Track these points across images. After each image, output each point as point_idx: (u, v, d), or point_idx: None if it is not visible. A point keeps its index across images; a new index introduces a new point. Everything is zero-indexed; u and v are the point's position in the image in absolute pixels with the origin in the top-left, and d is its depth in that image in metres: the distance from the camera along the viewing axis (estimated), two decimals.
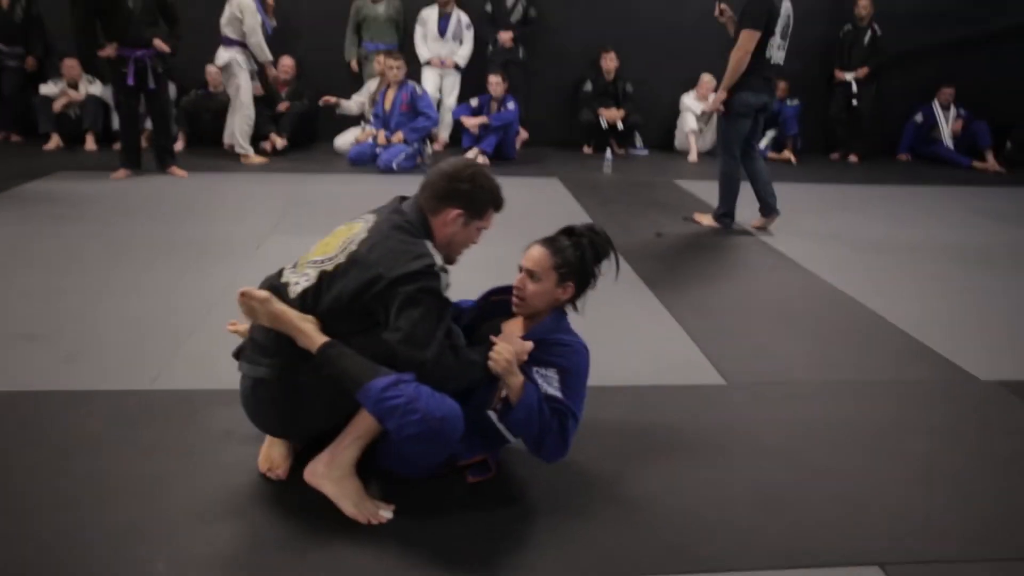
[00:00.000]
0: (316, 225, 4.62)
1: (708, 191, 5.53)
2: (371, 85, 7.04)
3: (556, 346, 2.09)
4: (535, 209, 4.79)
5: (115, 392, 2.56)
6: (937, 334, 3.34)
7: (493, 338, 2.04)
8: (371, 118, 6.79)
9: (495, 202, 2.12)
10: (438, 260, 1.97)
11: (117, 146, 6.17)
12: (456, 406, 1.89)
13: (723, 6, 4.95)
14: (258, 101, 6.68)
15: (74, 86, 6.97)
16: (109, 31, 5.48)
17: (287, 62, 7.23)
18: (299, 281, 2.01)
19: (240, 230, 4.52)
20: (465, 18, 7.43)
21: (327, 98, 6.99)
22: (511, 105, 7.04)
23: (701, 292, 3.92)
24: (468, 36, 7.46)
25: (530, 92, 7.64)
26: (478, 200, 2.08)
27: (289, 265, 2.13)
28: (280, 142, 6.97)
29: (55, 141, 6.87)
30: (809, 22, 8.03)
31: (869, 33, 7.82)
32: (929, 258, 4.62)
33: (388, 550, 1.82)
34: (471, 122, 7.08)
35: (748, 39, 4.63)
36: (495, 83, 7.00)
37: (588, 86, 7.73)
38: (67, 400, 2.49)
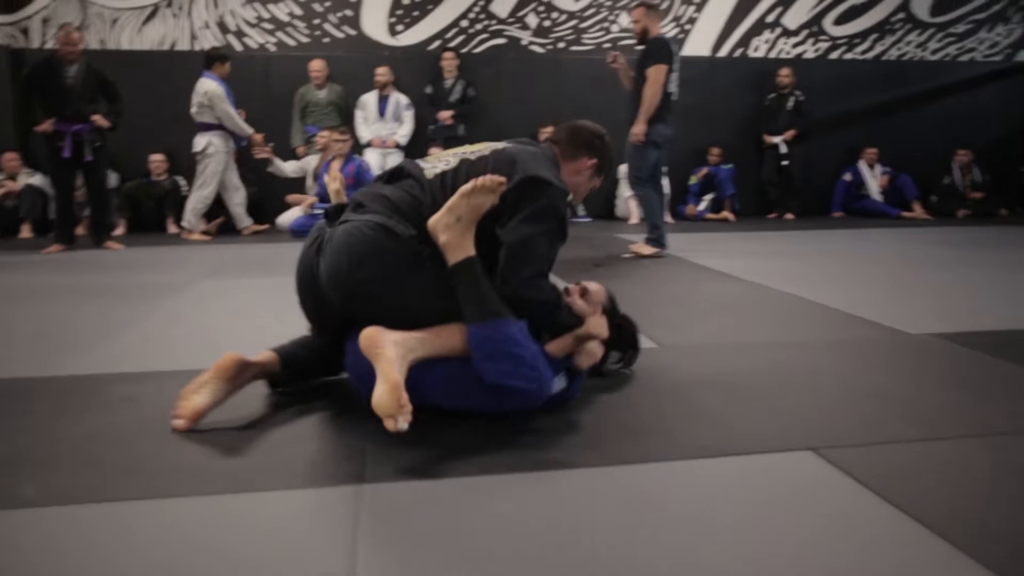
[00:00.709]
0: (252, 272, 4.69)
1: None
2: (311, 160, 7.17)
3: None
4: None
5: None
6: (866, 309, 3.37)
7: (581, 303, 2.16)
8: (312, 193, 6.89)
9: (610, 171, 2.32)
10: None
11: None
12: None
13: (616, 54, 5.33)
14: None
15: (12, 178, 6.97)
16: (47, 107, 5.54)
17: (157, 158, 7.30)
18: (437, 166, 2.06)
19: (175, 278, 4.44)
20: (404, 99, 7.69)
21: (259, 145, 6.88)
22: None
23: (634, 294, 3.90)
24: (408, 116, 7.69)
25: None
26: (607, 159, 2.26)
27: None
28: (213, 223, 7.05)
29: None
30: (737, 92, 8.54)
31: (792, 99, 8.26)
32: (856, 264, 4.71)
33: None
34: None
35: (660, 73, 5.03)
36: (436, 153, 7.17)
37: None
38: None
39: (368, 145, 7.62)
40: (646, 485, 1.62)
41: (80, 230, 6.25)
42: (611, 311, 2.31)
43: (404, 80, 7.73)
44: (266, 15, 7.85)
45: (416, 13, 8.08)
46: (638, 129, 5.08)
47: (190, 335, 3.03)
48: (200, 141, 6.53)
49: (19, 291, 4.05)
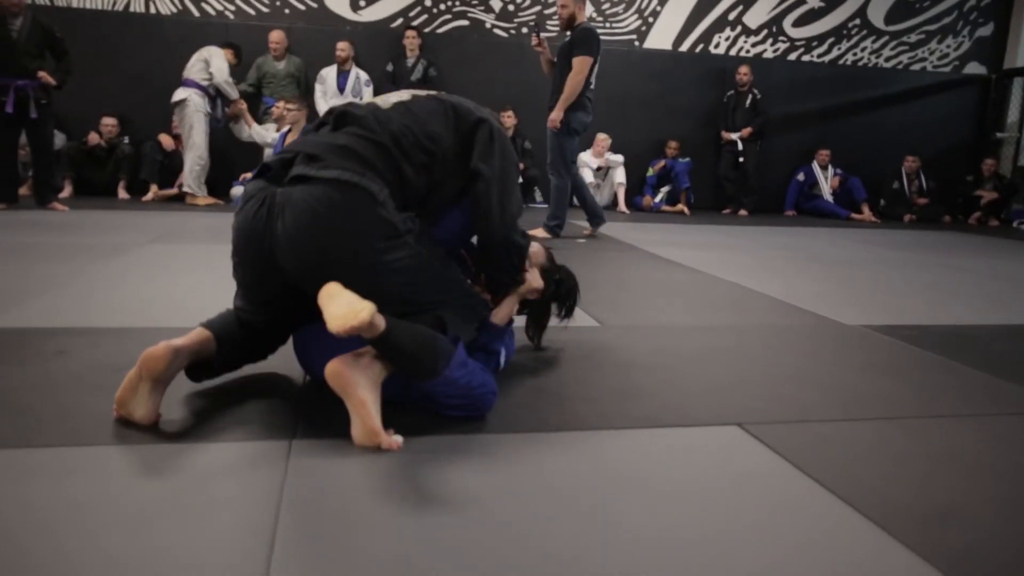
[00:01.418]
0: (198, 239, 4.61)
1: (603, 228, 5.68)
2: (269, 128, 7.07)
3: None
4: None
5: None
6: (807, 301, 3.46)
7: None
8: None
9: None
10: None
11: None
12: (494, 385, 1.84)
13: (542, 37, 5.35)
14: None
15: None
16: None
17: (110, 121, 7.15)
18: (389, 99, 1.88)
19: (119, 240, 4.34)
20: (364, 75, 7.61)
21: (239, 105, 6.93)
22: None
23: (583, 277, 3.94)
24: (367, 92, 7.61)
25: None
26: None
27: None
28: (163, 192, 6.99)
29: None
30: (697, 87, 8.65)
31: (750, 97, 8.39)
32: (803, 260, 4.82)
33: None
34: None
35: (585, 65, 5.08)
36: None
37: None
38: None
39: None
40: (572, 452, 1.65)
41: (23, 191, 6.08)
42: (551, 267, 2.31)
43: (364, 56, 7.65)
44: None
45: None
46: (556, 116, 5.13)
47: (129, 294, 2.98)
48: (180, 92, 6.58)
49: None
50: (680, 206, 8.21)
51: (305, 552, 1.20)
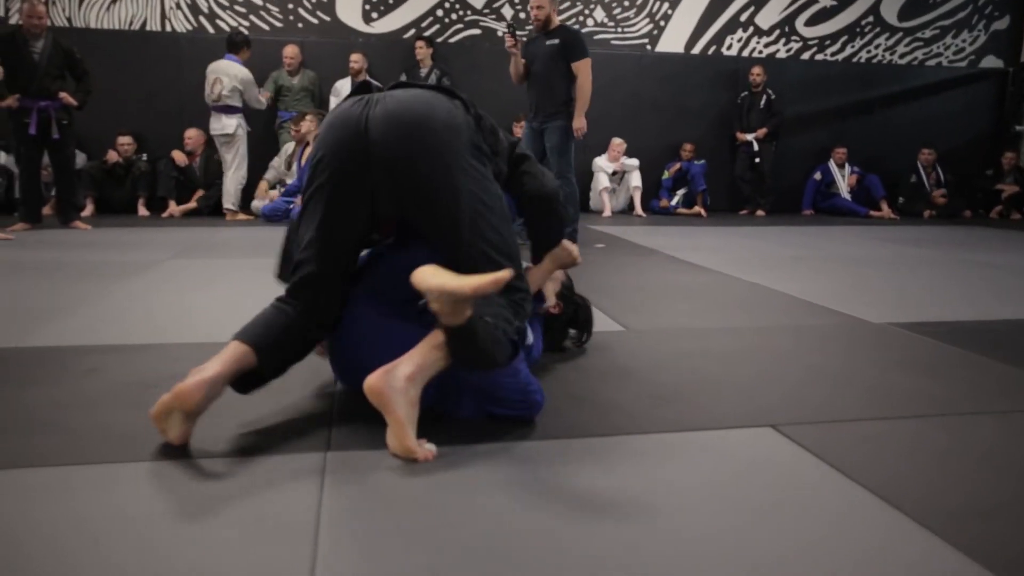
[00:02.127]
0: (223, 253, 4.65)
1: (620, 232, 5.67)
2: (288, 149, 7.12)
3: None
4: None
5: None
6: (829, 299, 3.44)
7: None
8: (287, 180, 6.88)
9: None
10: None
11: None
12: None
13: (517, 38, 5.25)
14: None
15: None
16: (13, 83, 5.44)
17: (192, 133, 7.26)
18: None
19: (144, 257, 4.39)
20: (378, 86, 7.65)
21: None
22: None
23: (605, 282, 3.94)
24: None
25: None
26: None
27: None
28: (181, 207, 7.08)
29: None
30: (710, 89, 8.64)
31: (764, 97, 8.36)
32: (823, 259, 4.79)
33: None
34: None
35: (589, 66, 5.10)
36: None
37: None
38: None
39: None
40: (607, 458, 1.64)
41: (46, 210, 6.16)
42: (568, 291, 2.36)
43: (377, 68, 7.70)
44: None
45: (391, 1, 8.04)
46: (581, 124, 5.11)
47: (159, 310, 3.01)
48: (230, 124, 6.60)
49: None
50: (697, 208, 8.18)
51: (348, 569, 1.20)
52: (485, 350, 1.63)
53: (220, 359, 1.67)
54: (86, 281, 3.59)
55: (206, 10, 7.71)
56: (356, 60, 7.51)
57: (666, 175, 8.39)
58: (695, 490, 1.49)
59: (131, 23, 7.59)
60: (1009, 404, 2.05)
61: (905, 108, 9.15)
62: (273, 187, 7.13)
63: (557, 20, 5.23)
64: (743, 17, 8.76)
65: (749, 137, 8.36)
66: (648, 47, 8.62)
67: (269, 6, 7.82)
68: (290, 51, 7.43)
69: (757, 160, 8.36)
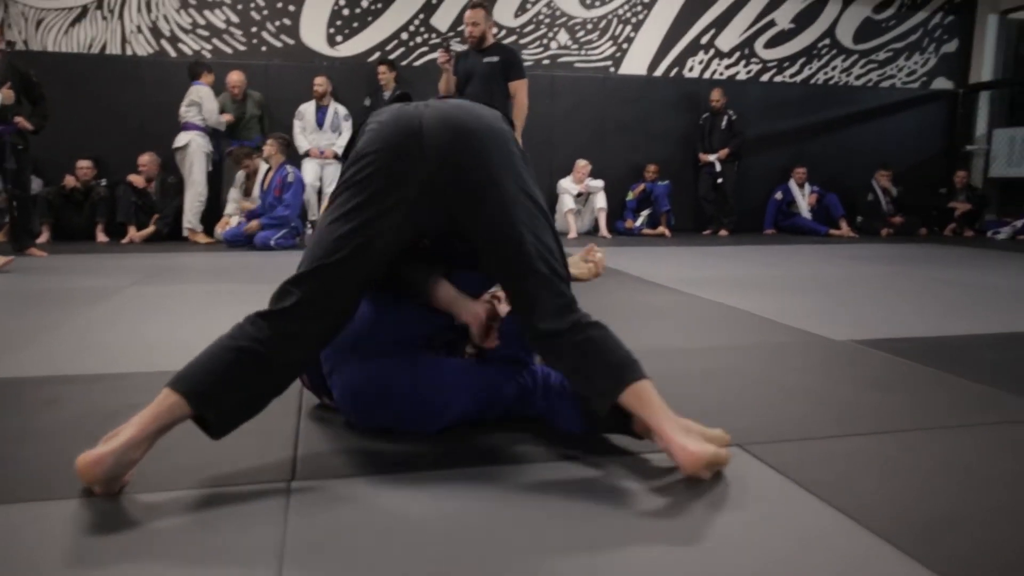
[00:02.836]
0: (183, 278, 4.57)
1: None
2: (240, 177, 7.07)
3: None
4: None
5: None
6: (794, 318, 3.48)
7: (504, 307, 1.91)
8: (244, 208, 6.84)
9: None
10: None
11: None
12: None
13: (451, 53, 5.28)
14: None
15: None
16: None
17: (145, 159, 7.16)
18: None
19: (103, 283, 4.30)
20: (343, 110, 7.65)
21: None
22: None
23: None
24: (346, 127, 7.65)
25: None
26: None
27: None
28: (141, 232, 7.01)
29: None
30: (673, 110, 8.78)
31: (725, 118, 8.51)
32: (785, 278, 4.87)
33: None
34: None
35: (527, 87, 5.10)
36: None
37: None
38: None
39: (306, 155, 7.54)
40: (571, 481, 1.64)
41: (0, 236, 6.03)
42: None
43: (342, 91, 7.70)
44: (202, 21, 7.72)
45: (356, 24, 8.06)
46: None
47: (119, 338, 2.94)
48: (183, 137, 6.74)
49: None
50: (661, 228, 8.27)
51: None
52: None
53: (139, 419, 1.49)
54: (44, 309, 3.50)
55: (168, 34, 7.66)
56: (320, 83, 7.49)
57: (630, 196, 8.48)
58: (661, 510, 1.49)
59: (90, 46, 7.50)
60: (971, 418, 2.09)
61: (862, 128, 9.39)
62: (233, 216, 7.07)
63: (492, 37, 5.18)
64: (704, 40, 8.93)
65: (712, 158, 8.50)
66: (612, 69, 8.74)
67: (232, 30, 7.79)
68: (234, 79, 7.24)
69: (720, 180, 8.50)
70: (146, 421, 1.49)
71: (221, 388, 1.54)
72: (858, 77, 9.45)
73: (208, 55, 7.69)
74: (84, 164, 7.04)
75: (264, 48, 7.87)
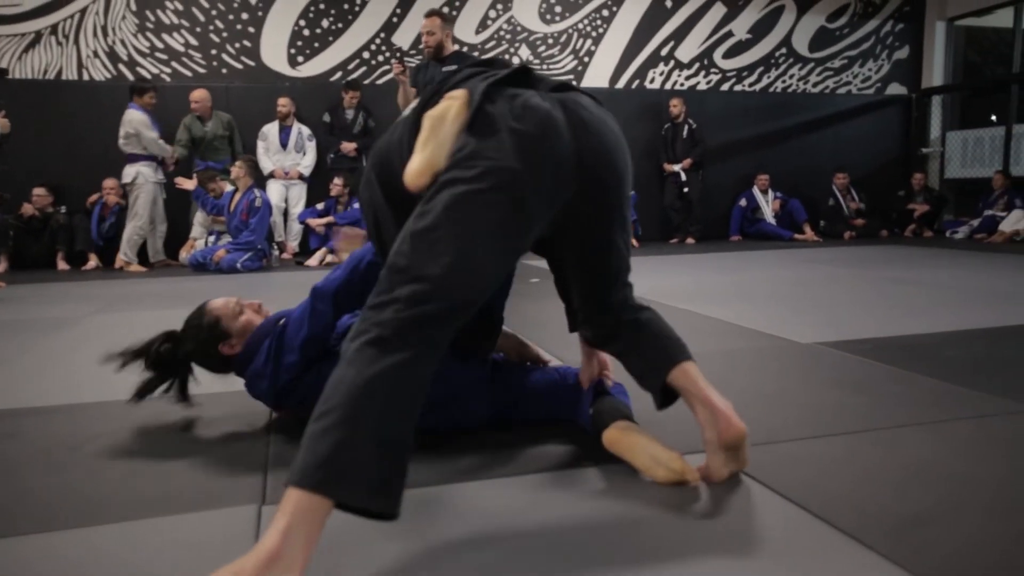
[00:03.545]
0: (145, 305, 4.50)
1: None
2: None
3: None
4: None
5: None
6: (760, 323, 3.52)
7: None
8: (217, 223, 6.78)
9: None
10: None
11: None
12: None
13: (405, 64, 5.13)
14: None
15: None
16: None
17: (110, 183, 7.05)
18: None
19: (65, 312, 4.22)
20: (306, 130, 7.61)
21: (170, 161, 6.81)
22: (356, 206, 7.15)
23: (539, 314, 3.96)
24: (310, 147, 7.61)
25: None
26: None
27: None
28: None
29: None
30: (636, 122, 8.86)
31: (686, 128, 8.62)
32: (752, 283, 4.93)
33: None
34: (317, 222, 7.11)
35: None
36: (337, 185, 7.14)
37: None
38: None
39: (271, 176, 7.49)
40: (545, 491, 1.64)
41: None
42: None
43: (304, 111, 7.67)
44: (160, 45, 7.66)
45: (317, 44, 8.05)
46: None
47: (80, 368, 2.89)
48: (129, 172, 6.56)
49: None
50: None
51: None
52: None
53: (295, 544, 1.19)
54: (2, 340, 3.43)
55: (125, 58, 7.58)
56: (284, 104, 7.46)
57: None
58: (633, 514, 1.49)
59: (46, 71, 7.39)
60: (935, 415, 2.13)
61: (821, 134, 9.56)
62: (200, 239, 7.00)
63: (451, 47, 5.03)
64: (664, 51, 9.05)
65: (676, 168, 8.59)
66: (574, 82, 8.78)
67: (192, 52, 7.73)
68: (196, 95, 7.10)
69: (685, 190, 8.59)
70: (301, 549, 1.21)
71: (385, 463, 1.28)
72: (815, 84, 9.64)
73: (167, 79, 7.62)
74: (40, 192, 6.91)
75: (225, 70, 7.82)
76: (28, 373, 2.84)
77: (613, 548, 1.38)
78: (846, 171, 9.09)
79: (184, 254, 6.86)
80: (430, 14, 5.09)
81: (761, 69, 9.41)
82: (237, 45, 7.83)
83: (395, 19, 8.15)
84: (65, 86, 7.41)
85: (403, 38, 8.18)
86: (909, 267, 5.87)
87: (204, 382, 2.61)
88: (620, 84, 8.97)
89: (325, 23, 8.02)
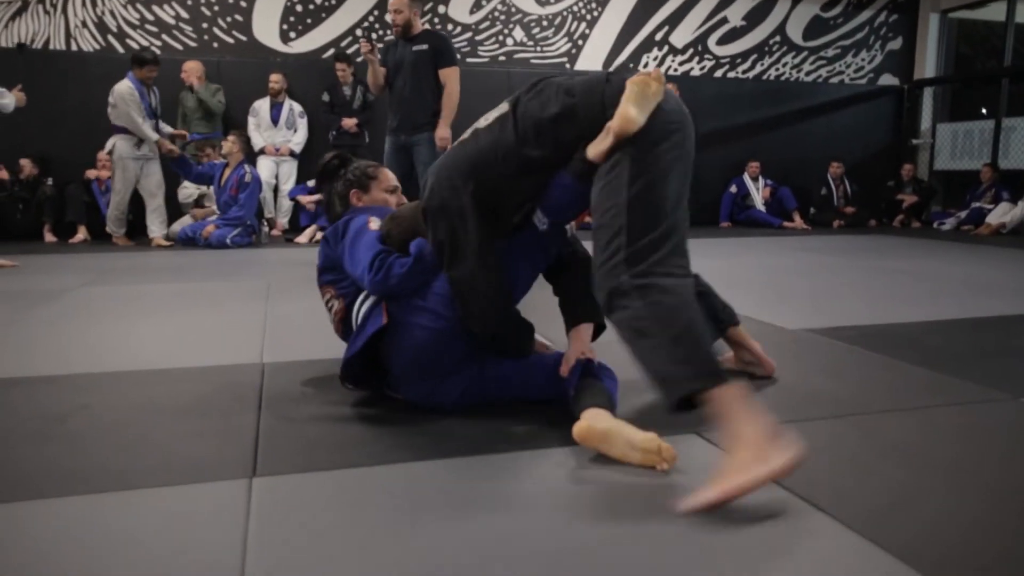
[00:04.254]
0: (128, 280, 4.48)
1: None
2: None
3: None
4: None
5: None
6: (748, 308, 3.54)
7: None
8: (196, 217, 6.75)
9: None
10: None
11: None
12: None
13: (373, 44, 4.97)
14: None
15: None
16: None
17: (104, 155, 6.97)
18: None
19: (52, 284, 4.19)
20: (297, 107, 7.55)
21: (169, 150, 6.45)
22: None
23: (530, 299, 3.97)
24: (302, 124, 7.56)
25: None
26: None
27: None
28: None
29: None
30: None
31: None
32: (741, 269, 4.96)
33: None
34: (307, 199, 7.08)
35: (458, 75, 4.84)
36: None
37: None
38: None
39: (261, 152, 7.43)
40: (536, 470, 1.65)
41: None
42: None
43: (296, 88, 7.60)
44: (150, 16, 7.56)
45: (309, 20, 7.97)
46: (446, 134, 4.75)
47: (67, 339, 2.88)
48: (109, 143, 6.37)
49: None
50: None
51: None
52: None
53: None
54: None
55: (115, 29, 7.48)
56: (276, 80, 7.39)
57: None
58: (622, 494, 1.51)
59: (33, 41, 7.29)
60: (919, 401, 2.16)
61: (813, 123, 9.58)
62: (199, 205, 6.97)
63: (420, 25, 4.96)
64: (658, 36, 9.03)
65: None
66: (567, 65, 8.78)
67: (182, 25, 7.64)
68: (186, 65, 7.05)
69: None
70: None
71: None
72: (808, 73, 9.64)
73: (158, 51, 7.52)
74: (25, 163, 6.83)
75: (216, 44, 7.74)
76: (16, 344, 2.82)
77: (593, 522, 1.40)
78: (840, 161, 9.13)
79: (177, 228, 6.79)
80: None
81: (755, 56, 9.40)
82: (229, 19, 7.75)
83: None
84: (52, 56, 7.31)
85: None
86: (896, 257, 5.91)
87: (193, 355, 2.62)
88: (614, 68, 8.94)
89: None
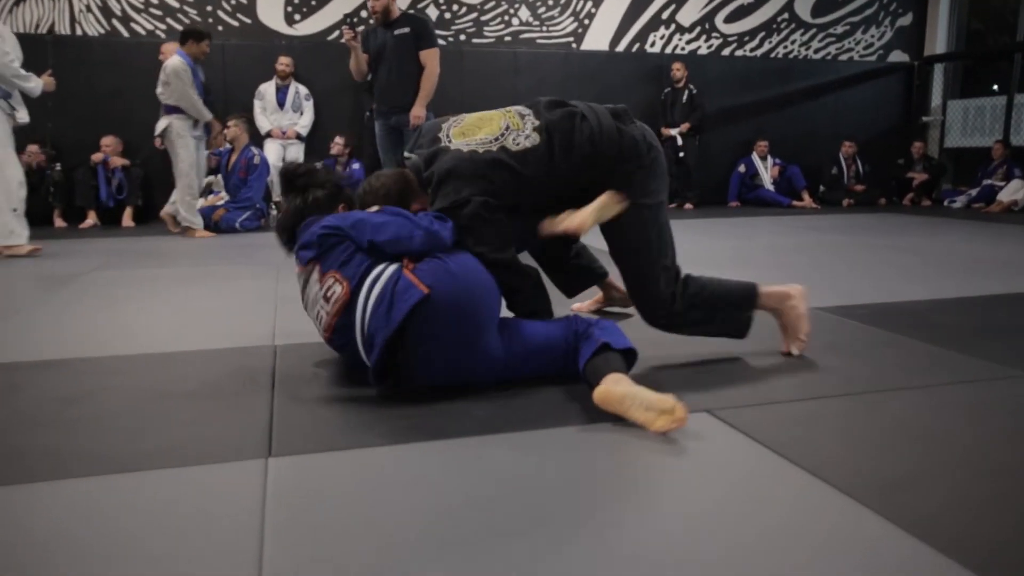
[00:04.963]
0: (139, 264, 4.50)
1: None
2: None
3: None
4: None
5: None
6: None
7: None
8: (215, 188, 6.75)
9: None
10: None
11: None
12: None
13: (356, 30, 5.06)
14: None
15: None
16: None
17: (108, 140, 6.99)
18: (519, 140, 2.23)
19: (60, 269, 4.22)
20: (304, 89, 7.54)
21: (218, 133, 6.41)
22: (356, 166, 7.11)
23: None
24: (308, 106, 7.55)
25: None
26: None
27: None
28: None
29: None
30: (635, 86, 8.79)
31: (686, 93, 8.56)
32: (749, 249, 4.94)
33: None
34: None
35: (438, 56, 4.90)
36: (338, 144, 7.09)
37: None
38: None
39: (268, 135, 7.43)
40: (548, 449, 1.66)
41: None
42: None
43: (303, 71, 7.58)
44: (154, 0, 7.53)
45: (314, 3, 7.93)
46: (421, 113, 4.85)
47: (81, 324, 2.90)
48: (161, 123, 5.99)
49: None
50: None
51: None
52: None
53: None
54: (2, 295, 3.43)
55: (119, 13, 7.46)
56: (286, 63, 7.38)
57: None
58: (637, 474, 1.52)
59: (37, 26, 7.28)
60: (928, 379, 2.16)
61: (822, 101, 9.50)
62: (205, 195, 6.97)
63: (398, 9, 5.00)
64: (665, 15, 8.95)
65: (673, 132, 8.55)
66: (573, 45, 8.72)
67: (187, 8, 7.61)
68: (164, 47, 6.76)
69: (681, 154, 8.55)
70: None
71: None
72: (817, 51, 9.55)
73: (163, 35, 7.51)
74: (33, 149, 6.84)
75: (220, 27, 7.71)
76: (29, 328, 2.85)
77: (613, 500, 1.41)
78: (850, 139, 9.06)
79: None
80: None
81: (763, 34, 9.31)
82: (233, 2, 7.71)
83: None
84: (58, 41, 7.29)
85: None
86: (907, 235, 5.88)
87: (206, 338, 2.64)
88: (620, 47, 8.87)
89: None
